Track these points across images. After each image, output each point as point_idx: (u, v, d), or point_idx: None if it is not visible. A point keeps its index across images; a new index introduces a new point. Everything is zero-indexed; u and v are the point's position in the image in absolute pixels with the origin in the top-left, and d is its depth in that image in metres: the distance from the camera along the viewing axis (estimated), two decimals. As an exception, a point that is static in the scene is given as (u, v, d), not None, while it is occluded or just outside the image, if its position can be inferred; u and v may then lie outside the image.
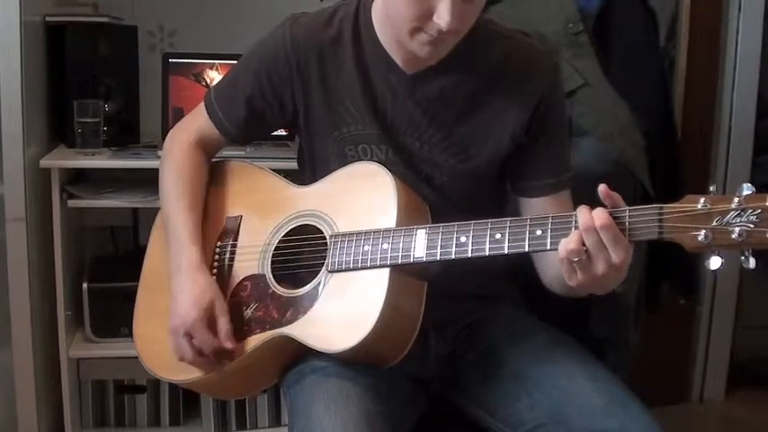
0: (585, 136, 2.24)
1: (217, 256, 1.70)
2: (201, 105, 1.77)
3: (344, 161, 1.64)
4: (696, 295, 2.83)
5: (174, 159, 1.74)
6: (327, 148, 1.66)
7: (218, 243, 1.71)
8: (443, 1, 1.41)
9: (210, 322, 1.56)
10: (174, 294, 1.60)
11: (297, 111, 1.68)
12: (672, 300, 2.56)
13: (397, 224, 1.49)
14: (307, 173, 1.74)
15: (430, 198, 1.60)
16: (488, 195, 1.68)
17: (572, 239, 1.32)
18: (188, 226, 1.65)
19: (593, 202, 1.33)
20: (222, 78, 1.81)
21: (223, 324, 1.56)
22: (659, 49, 2.53)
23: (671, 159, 2.46)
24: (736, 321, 3.19)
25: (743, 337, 3.23)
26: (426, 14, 1.43)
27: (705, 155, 3.02)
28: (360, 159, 1.63)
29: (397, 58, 1.60)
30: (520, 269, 1.65)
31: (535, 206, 1.63)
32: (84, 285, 2.49)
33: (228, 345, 1.55)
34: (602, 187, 1.32)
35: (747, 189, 1.23)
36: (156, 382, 2.60)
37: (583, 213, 1.33)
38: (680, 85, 2.95)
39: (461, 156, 1.62)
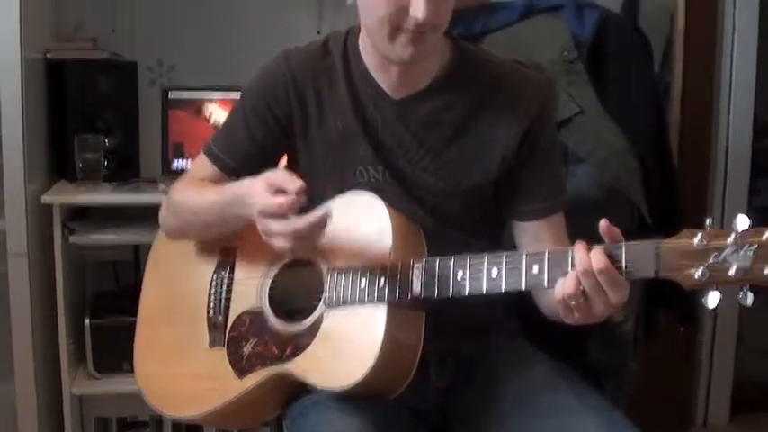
0: (582, 163, 2.25)
1: (213, 289, 1.70)
2: (200, 155, 1.76)
3: (342, 183, 1.64)
4: (696, 324, 2.83)
5: (175, 195, 1.73)
6: (326, 174, 1.67)
7: (214, 275, 1.71)
8: None
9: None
10: (246, 213, 1.52)
11: (296, 138, 1.69)
12: (673, 327, 2.56)
13: (393, 256, 1.49)
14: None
15: (424, 220, 1.61)
16: (483, 218, 1.69)
17: (569, 283, 1.32)
18: (222, 191, 1.61)
19: (592, 230, 1.33)
20: (218, 129, 1.80)
21: (280, 178, 1.46)
22: (653, 76, 2.55)
23: (668, 185, 2.46)
24: (739, 346, 3.19)
25: (745, 361, 3.22)
26: (402, 11, 1.45)
27: (702, 179, 3.03)
28: (356, 181, 1.64)
29: (384, 83, 1.62)
30: (518, 299, 1.65)
31: (529, 230, 1.64)
32: (86, 321, 2.50)
33: (297, 184, 1.43)
34: (603, 222, 1.31)
35: (743, 223, 1.22)
36: (159, 418, 2.60)
37: (580, 255, 1.32)
38: (675, 109, 2.96)
39: (451, 179, 1.63)
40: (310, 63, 1.66)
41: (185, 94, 2.67)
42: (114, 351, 2.44)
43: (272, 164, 1.74)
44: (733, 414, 3.22)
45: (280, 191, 1.46)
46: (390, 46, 1.50)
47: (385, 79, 1.61)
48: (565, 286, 1.33)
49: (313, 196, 1.68)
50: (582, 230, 1.42)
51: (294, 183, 1.44)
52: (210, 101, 2.64)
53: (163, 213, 1.77)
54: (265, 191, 1.47)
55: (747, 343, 3.22)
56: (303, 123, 1.67)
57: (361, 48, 1.64)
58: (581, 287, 1.32)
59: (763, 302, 1.27)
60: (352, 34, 1.67)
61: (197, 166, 1.78)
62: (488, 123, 1.61)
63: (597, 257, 1.30)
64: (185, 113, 2.65)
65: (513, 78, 1.64)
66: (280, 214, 1.45)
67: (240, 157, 1.72)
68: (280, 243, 1.47)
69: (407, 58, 1.51)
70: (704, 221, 1.26)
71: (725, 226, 1.26)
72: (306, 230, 1.45)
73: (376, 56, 1.59)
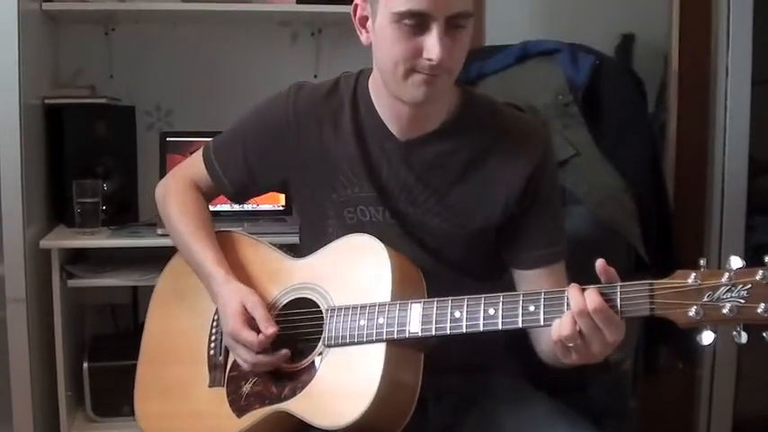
0: (578, 204, 2.25)
1: (213, 329, 1.72)
2: (198, 157, 1.81)
3: (343, 222, 1.66)
4: (695, 359, 2.82)
5: (174, 199, 1.80)
6: (326, 211, 1.69)
7: (215, 315, 1.72)
8: (431, 35, 1.46)
9: (252, 322, 1.59)
10: (220, 318, 1.66)
11: (290, 177, 1.73)
12: (672, 364, 2.55)
13: (392, 297, 1.50)
14: (305, 238, 1.78)
15: (424, 261, 1.62)
16: (483, 262, 1.69)
17: (565, 325, 1.33)
18: (208, 254, 1.70)
19: (590, 271, 1.34)
20: (221, 135, 1.83)
21: (258, 315, 1.58)
22: (648, 117, 2.57)
23: (664, 224, 2.47)
24: (738, 383, 3.17)
25: (746, 398, 3.20)
26: (416, 53, 1.48)
27: (699, 218, 3.03)
28: (358, 221, 1.66)
29: (392, 126, 1.63)
30: (517, 338, 1.65)
31: (529, 278, 1.65)
32: (85, 365, 2.50)
33: (270, 330, 1.56)
34: (599, 262, 1.33)
35: (736, 262, 1.24)
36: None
37: (574, 296, 1.33)
38: (671, 149, 2.97)
39: (453, 222, 1.64)
40: (317, 105, 1.69)
41: (183, 138, 2.69)
42: (113, 394, 2.44)
43: (262, 193, 1.86)
44: (733, 452, 3.20)
45: (252, 322, 1.58)
46: (404, 86, 1.52)
47: (394, 121, 1.63)
48: (561, 328, 1.34)
49: (315, 231, 1.71)
50: (580, 271, 1.43)
51: (268, 329, 1.57)
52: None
53: (159, 205, 1.85)
54: (241, 315, 1.59)
55: (747, 380, 3.20)
56: (303, 164, 1.70)
57: (371, 88, 1.66)
58: (577, 328, 1.33)
59: (761, 340, 1.28)
60: (363, 75, 1.69)
61: (193, 166, 1.83)
62: (493, 168, 1.62)
63: (591, 297, 1.32)
64: (183, 157, 2.65)
65: (518, 125, 1.67)
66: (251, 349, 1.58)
67: (236, 182, 1.78)
68: (241, 362, 1.62)
69: (420, 99, 1.53)
70: (698, 262, 1.28)
71: (722, 264, 1.27)
72: (266, 366, 1.59)
73: (386, 97, 1.61)
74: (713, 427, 3.15)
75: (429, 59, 1.46)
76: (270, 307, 1.65)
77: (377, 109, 1.65)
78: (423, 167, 1.63)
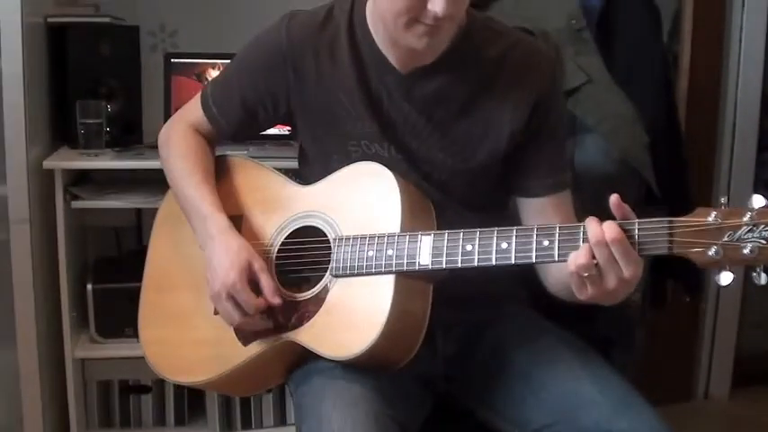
0: (589, 133, 2.23)
1: None
2: (197, 100, 1.78)
3: (347, 157, 1.63)
4: (701, 293, 2.82)
5: (176, 142, 1.75)
6: (329, 146, 1.66)
7: None
8: None
9: (252, 283, 1.55)
10: (209, 263, 1.59)
11: (291, 109, 1.69)
12: (677, 297, 2.55)
13: (401, 227, 1.48)
14: (308, 171, 1.74)
15: (431, 195, 1.59)
16: (490, 193, 1.67)
17: (582, 254, 1.31)
18: (207, 198, 1.65)
19: (599, 200, 1.32)
20: (218, 74, 1.81)
21: (265, 281, 1.54)
22: (662, 46, 2.52)
23: (675, 156, 2.45)
24: (742, 318, 3.19)
25: (748, 334, 3.22)
26: (419, 4, 1.43)
27: (710, 151, 3.02)
28: (363, 155, 1.62)
29: (392, 57, 1.59)
30: (526, 269, 1.64)
31: (537, 206, 1.63)
32: (89, 286, 2.49)
33: (276, 300, 1.53)
34: (613, 198, 1.31)
35: (759, 201, 1.21)
36: (161, 382, 2.59)
37: (593, 226, 1.31)
38: (684, 80, 2.94)
39: (459, 155, 1.61)
40: (312, 35, 1.64)
41: (188, 60, 2.65)
42: (116, 316, 2.44)
43: (265, 129, 1.81)
44: (734, 387, 3.23)
45: (254, 282, 1.54)
46: (405, 35, 1.48)
47: (393, 53, 1.58)
48: (578, 257, 1.31)
49: (318, 163, 1.68)
50: (590, 200, 1.41)
51: (274, 298, 1.54)
52: (213, 66, 2.62)
53: (161, 150, 1.81)
54: (245, 272, 1.54)
55: (750, 317, 3.22)
56: (302, 96, 1.66)
57: (368, 20, 1.61)
58: (594, 259, 1.30)
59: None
60: (358, 3, 1.64)
61: (192, 110, 1.79)
62: (497, 98, 1.58)
63: (610, 228, 1.29)
64: (188, 79, 2.63)
65: (523, 51, 1.62)
66: (243, 308, 1.54)
67: (233, 121, 1.74)
68: (225, 316, 1.57)
69: (421, 49, 1.50)
70: (719, 200, 1.25)
71: (731, 197, 1.25)
72: (249, 327, 1.57)
73: (385, 31, 1.56)
74: (714, 362, 3.18)
75: (434, 12, 1.42)
76: (275, 234, 1.63)
77: (375, 40, 1.60)
78: (424, 101, 1.59)
